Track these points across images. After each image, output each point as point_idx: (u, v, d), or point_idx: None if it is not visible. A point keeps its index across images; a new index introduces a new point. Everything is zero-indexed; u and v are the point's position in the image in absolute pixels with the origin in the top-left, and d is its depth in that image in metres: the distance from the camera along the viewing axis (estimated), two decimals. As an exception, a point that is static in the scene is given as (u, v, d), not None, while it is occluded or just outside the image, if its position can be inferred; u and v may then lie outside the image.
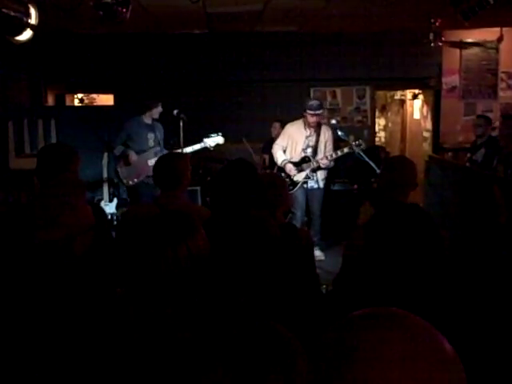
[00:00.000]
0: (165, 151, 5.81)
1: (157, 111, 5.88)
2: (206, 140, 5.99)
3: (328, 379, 0.74)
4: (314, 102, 6.08)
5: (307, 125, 6.08)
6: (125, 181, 5.88)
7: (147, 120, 5.89)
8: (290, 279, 2.35)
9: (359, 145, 5.91)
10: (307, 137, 6.14)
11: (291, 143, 6.18)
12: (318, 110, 6.01)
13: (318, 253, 6.25)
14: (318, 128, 6.12)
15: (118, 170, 5.88)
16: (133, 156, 5.77)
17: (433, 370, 0.72)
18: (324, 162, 6.05)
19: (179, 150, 5.71)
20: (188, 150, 5.86)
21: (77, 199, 1.75)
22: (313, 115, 5.97)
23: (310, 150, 6.13)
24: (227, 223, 2.10)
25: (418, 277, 1.72)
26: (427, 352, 0.73)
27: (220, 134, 6.07)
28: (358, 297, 1.98)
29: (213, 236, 1.76)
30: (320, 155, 6.09)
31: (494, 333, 1.98)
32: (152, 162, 5.75)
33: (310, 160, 6.09)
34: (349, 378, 0.72)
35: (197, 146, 5.93)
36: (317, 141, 6.11)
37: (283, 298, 1.98)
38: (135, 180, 5.80)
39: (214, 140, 6.02)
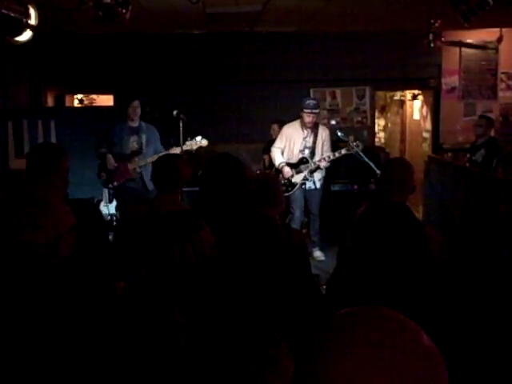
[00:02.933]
0: (161, 152, 5.57)
1: (133, 108, 5.65)
2: (187, 143, 5.65)
3: (311, 378, 0.74)
4: (310, 101, 6.07)
5: (304, 125, 6.07)
6: (105, 183, 5.86)
7: (132, 123, 5.75)
8: (286, 279, 2.35)
9: (357, 146, 5.90)
10: (304, 138, 6.12)
11: (288, 144, 6.17)
12: (315, 109, 6.00)
13: (318, 253, 6.25)
14: (315, 128, 6.10)
15: (101, 173, 5.82)
16: (110, 161, 5.70)
17: (412, 365, 0.72)
18: (323, 164, 6.05)
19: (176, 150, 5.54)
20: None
21: (55, 200, 1.74)
22: (309, 114, 5.96)
23: (307, 151, 6.11)
24: (229, 221, 2.10)
25: (397, 274, 1.73)
26: (407, 348, 0.73)
27: (201, 137, 5.70)
28: (349, 295, 1.98)
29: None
30: (318, 156, 6.08)
31: (494, 331, 1.98)
32: (131, 166, 5.68)
33: (307, 161, 6.08)
34: (330, 375, 0.73)
35: (177, 150, 5.56)
36: (314, 141, 6.10)
37: (282, 298, 1.98)
38: (115, 184, 5.76)
39: (197, 143, 5.69)
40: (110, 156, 5.71)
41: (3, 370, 1.44)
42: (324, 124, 6.98)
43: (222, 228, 2.04)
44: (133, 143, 5.76)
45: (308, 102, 6.05)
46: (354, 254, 2.27)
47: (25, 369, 1.44)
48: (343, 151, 5.99)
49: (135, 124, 5.78)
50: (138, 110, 5.75)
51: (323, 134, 6.15)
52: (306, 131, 6.10)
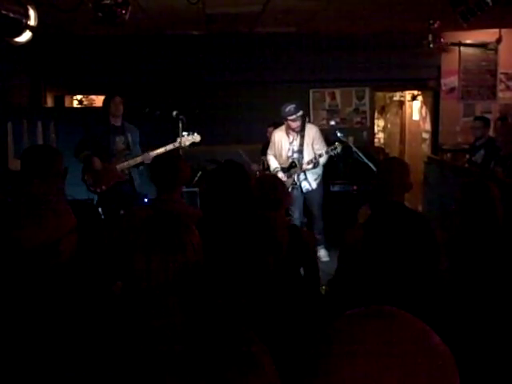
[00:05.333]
0: (139, 153, 5.36)
1: (115, 104, 5.29)
2: (178, 139, 5.32)
3: (321, 378, 0.74)
4: (290, 107, 5.89)
5: (290, 130, 6.02)
6: (92, 189, 5.30)
7: (115, 122, 5.39)
8: (293, 281, 2.35)
9: (334, 148, 5.87)
10: (290, 143, 6.10)
11: (277, 150, 6.18)
12: (297, 112, 5.89)
13: (322, 252, 6.28)
14: (301, 131, 6.04)
15: (85, 177, 5.29)
16: (96, 162, 5.21)
17: (423, 365, 0.71)
18: (308, 167, 6.04)
19: (157, 151, 5.20)
20: (160, 150, 5.24)
21: (57, 200, 1.74)
22: (294, 119, 5.89)
23: (296, 155, 6.08)
24: (231, 224, 2.10)
25: (412, 277, 1.73)
26: (417, 348, 0.73)
27: (195, 132, 5.42)
28: (355, 296, 1.98)
29: (212, 237, 1.77)
30: (308, 157, 6.04)
31: (495, 333, 1.98)
32: (120, 167, 5.28)
33: (296, 165, 6.07)
34: (340, 375, 0.72)
35: (169, 146, 5.30)
36: (301, 144, 6.05)
37: (284, 299, 1.98)
38: (103, 188, 5.26)
39: (189, 139, 5.38)
40: (95, 158, 5.22)
41: (2, 370, 1.44)
42: (323, 124, 6.98)
43: (224, 232, 2.05)
44: (119, 143, 5.38)
45: (288, 108, 5.88)
46: (365, 257, 2.26)
47: (24, 367, 1.44)
48: (324, 154, 5.95)
49: (118, 123, 5.41)
50: (121, 107, 5.35)
51: (310, 132, 6.08)
52: (291, 136, 6.07)
